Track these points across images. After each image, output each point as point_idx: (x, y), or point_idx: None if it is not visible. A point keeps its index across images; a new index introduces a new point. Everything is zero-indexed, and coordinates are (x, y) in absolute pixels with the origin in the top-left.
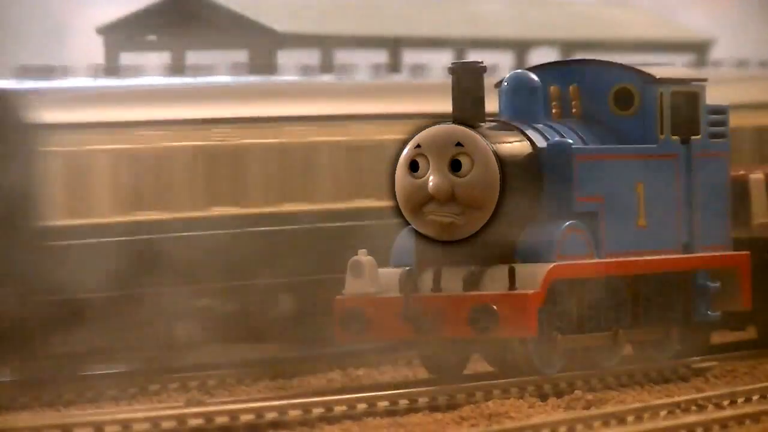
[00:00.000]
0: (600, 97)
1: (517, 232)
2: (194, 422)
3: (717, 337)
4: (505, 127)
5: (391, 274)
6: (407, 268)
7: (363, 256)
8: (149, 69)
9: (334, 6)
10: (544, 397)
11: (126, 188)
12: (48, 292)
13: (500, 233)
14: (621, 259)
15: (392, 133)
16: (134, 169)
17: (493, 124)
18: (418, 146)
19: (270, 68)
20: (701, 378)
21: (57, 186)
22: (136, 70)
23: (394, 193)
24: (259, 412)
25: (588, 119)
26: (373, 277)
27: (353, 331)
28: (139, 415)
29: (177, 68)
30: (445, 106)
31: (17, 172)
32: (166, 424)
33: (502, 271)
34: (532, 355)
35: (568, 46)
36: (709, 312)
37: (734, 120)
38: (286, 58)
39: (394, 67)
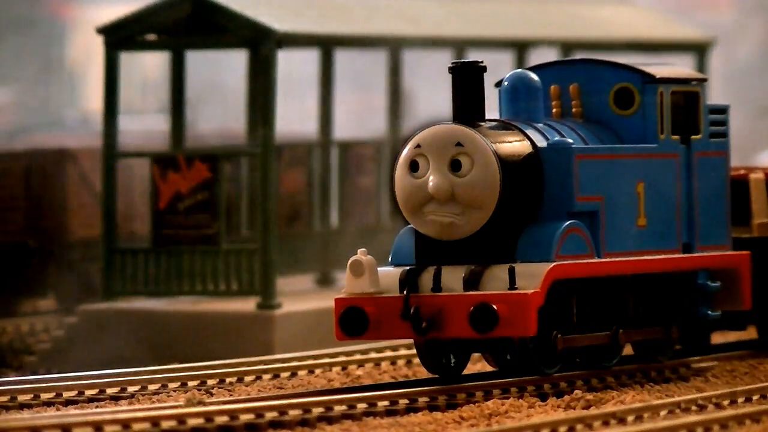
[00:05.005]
0: (600, 96)
1: (517, 232)
2: (194, 422)
3: (717, 337)
4: (505, 126)
5: (391, 273)
6: (407, 267)
7: (363, 256)
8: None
9: (334, 6)
10: (544, 397)
11: None
12: None
13: (500, 233)
14: (621, 259)
15: None
16: None
17: (493, 123)
18: (418, 146)
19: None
20: (701, 378)
21: None
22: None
23: (394, 192)
24: (259, 412)
25: (588, 119)
26: (373, 276)
27: (353, 331)
28: (139, 414)
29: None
30: None
31: None
32: (165, 424)
33: (502, 270)
34: (532, 355)
35: (568, 46)
36: (709, 312)
37: None
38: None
39: (394, 67)
